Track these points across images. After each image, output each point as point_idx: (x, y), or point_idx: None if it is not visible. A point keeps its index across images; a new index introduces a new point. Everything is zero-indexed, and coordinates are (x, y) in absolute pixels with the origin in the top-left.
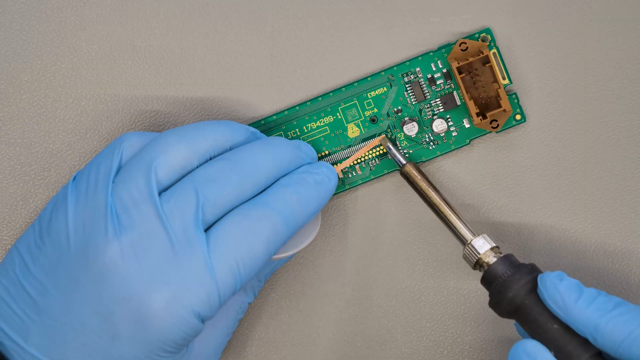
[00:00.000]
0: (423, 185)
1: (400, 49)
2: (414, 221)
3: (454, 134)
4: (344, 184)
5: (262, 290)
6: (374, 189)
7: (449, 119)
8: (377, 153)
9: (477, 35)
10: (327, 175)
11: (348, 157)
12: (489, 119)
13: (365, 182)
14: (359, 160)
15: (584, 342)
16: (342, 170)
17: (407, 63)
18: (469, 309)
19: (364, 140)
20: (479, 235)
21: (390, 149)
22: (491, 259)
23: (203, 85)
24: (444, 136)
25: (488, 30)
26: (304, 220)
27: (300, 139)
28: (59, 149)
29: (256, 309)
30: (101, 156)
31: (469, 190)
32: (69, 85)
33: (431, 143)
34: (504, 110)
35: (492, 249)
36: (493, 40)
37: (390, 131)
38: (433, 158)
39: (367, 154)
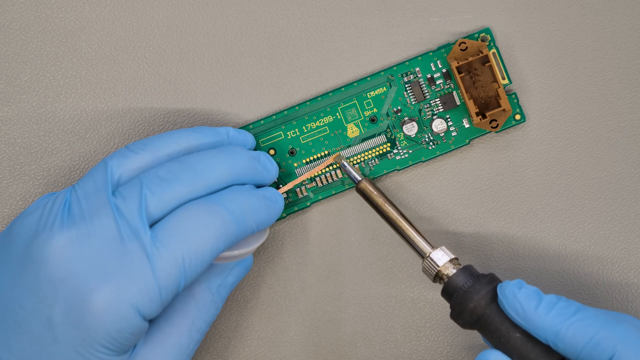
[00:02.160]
0: (379, 200)
1: (400, 49)
2: (413, 221)
3: (453, 133)
4: (343, 184)
5: (261, 290)
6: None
7: (449, 119)
8: (378, 153)
9: (476, 35)
10: (275, 194)
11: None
12: (488, 119)
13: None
14: (317, 174)
15: (547, 350)
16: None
17: (407, 63)
18: None
19: (364, 140)
20: (437, 247)
21: (344, 166)
22: (450, 270)
23: (203, 85)
24: (443, 136)
25: (487, 30)
26: (252, 227)
27: (264, 152)
28: (59, 149)
29: (256, 309)
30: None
31: (469, 189)
32: (69, 85)
33: (431, 143)
34: (504, 109)
35: (451, 260)
36: (492, 40)
37: (390, 131)
38: (433, 158)
39: (367, 153)
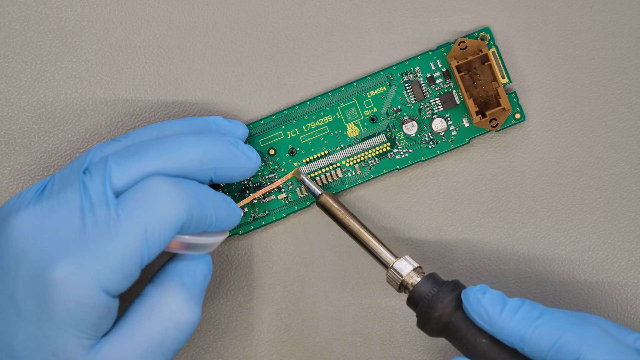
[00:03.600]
0: (340, 213)
1: (399, 49)
2: (413, 221)
3: (453, 133)
4: (343, 184)
5: (261, 290)
6: (374, 188)
7: (449, 118)
8: (377, 152)
9: (476, 34)
10: (234, 204)
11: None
12: (488, 118)
13: (365, 181)
14: (277, 189)
15: (514, 353)
16: (338, 171)
17: (407, 62)
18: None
19: (364, 139)
20: (400, 257)
21: (304, 180)
22: (415, 279)
23: (203, 85)
24: (443, 135)
25: (487, 29)
26: (211, 217)
27: (249, 144)
28: (59, 149)
29: (256, 309)
30: None
31: (469, 189)
32: (69, 85)
33: (431, 142)
34: (504, 108)
35: (414, 269)
36: (492, 39)
37: (390, 130)
38: (433, 157)
39: (366, 153)
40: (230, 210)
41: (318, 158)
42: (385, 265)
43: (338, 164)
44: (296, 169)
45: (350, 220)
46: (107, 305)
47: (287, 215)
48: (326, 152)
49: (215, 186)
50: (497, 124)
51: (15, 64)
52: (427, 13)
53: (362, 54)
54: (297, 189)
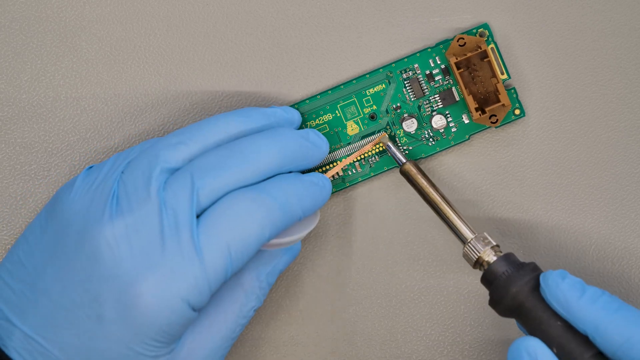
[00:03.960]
0: (423, 183)
1: (398, 46)
2: (413, 220)
3: (453, 129)
4: (344, 182)
5: None
6: (373, 188)
7: (448, 115)
8: (377, 150)
9: (474, 31)
10: (321, 179)
11: (350, 154)
12: (488, 114)
13: (366, 179)
14: (359, 158)
15: (586, 341)
16: (342, 169)
17: (405, 60)
18: (469, 309)
19: (363, 137)
20: (479, 233)
21: (389, 147)
22: (491, 257)
23: (202, 85)
24: (443, 132)
25: (486, 26)
26: (298, 214)
27: (313, 129)
28: (59, 149)
29: (256, 309)
30: (118, 153)
31: (469, 186)
32: (69, 85)
33: (431, 139)
34: (503, 105)
35: (492, 247)
36: (491, 35)
37: (390, 128)
38: (433, 154)
39: (367, 151)
40: (317, 192)
41: None
42: (462, 240)
43: (338, 162)
44: (383, 133)
45: (432, 191)
46: (194, 318)
47: None
48: None
49: None
50: (497, 120)
51: (15, 64)
52: (427, 13)
53: (361, 51)
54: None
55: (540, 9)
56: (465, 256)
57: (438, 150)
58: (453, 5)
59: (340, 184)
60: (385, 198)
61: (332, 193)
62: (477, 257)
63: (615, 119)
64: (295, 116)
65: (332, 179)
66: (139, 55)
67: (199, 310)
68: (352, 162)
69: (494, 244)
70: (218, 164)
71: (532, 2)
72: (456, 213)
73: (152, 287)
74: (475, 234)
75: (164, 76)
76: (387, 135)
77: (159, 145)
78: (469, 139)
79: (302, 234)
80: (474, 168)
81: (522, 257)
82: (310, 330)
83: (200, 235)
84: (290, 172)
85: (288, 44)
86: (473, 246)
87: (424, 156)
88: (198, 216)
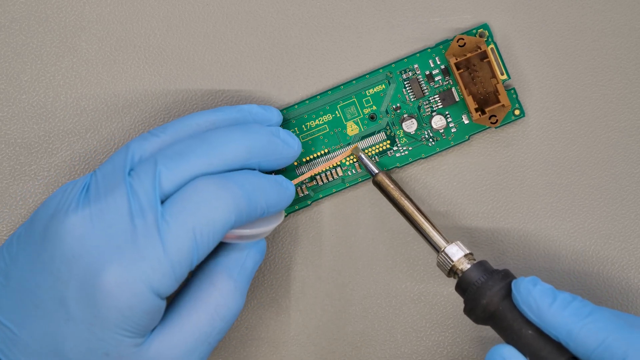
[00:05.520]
0: (395, 193)
1: (398, 46)
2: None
3: (453, 130)
4: (343, 182)
5: (262, 290)
6: (373, 188)
7: (448, 115)
8: (377, 150)
9: (474, 31)
10: (285, 181)
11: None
12: (487, 115)
13: (367, 179)
14: (330, 167)
15: (558, 347)
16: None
17: (405, 60)
18: None
19: (363, 137)
20: (452, 242)
21: (362, 158)
22: (465, 265)
23: (202, 85)
24: (443, 132)
25: (485, 26)
26: (262, 206)
27: (285, 129)
28: (59, 149)
29: (256, 309)
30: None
31: (469, 186)
32: (69, 85)
33: (430, 139)
34: (503, 105)
35: (465, 255)
36: (491, 35)
37: (390, 128)
38: (433, 154)
39: (366, 151)
40: (282, 191)
41: (318, 157)
42: (436, 249)
43: (338, 163)
44: (355, 145)
45: (405, 201)
46: (159, 307)
47: (288, 214)
48: (326, 150)
49: None
50: (497, 120)
51: (15, 64)
52: (427, 13)
53: (361, 52)
54: (298, 188)
55: (540, 9)
56: (439, 265)
57: (438, 150)
58: (453, 5)
59: (340, 184)
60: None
61: (334, 193)
62: (450, 265)
63: (615, 119)
64: (275, 114)
65: (298, 185)
66: (139, 56)
67: (165, 298)
68: (320, 172)
69: (468, 252)
70: (183, 150)
71: (532, 2)
72: (429, 222)
73: (114, 270)
74: (448, 242)
75: (163, 76)
76: (358, 147)
77: (132, 140)
78: (468, 139)
79: (267, 227)
80: (474, 168)
81: (521, 258)
82: (310, 331)
83: (164, 218)
84: (258, 169)
85: (288, 44)
86: (446, 255)
87: (423, 156)
88: (164, 201)
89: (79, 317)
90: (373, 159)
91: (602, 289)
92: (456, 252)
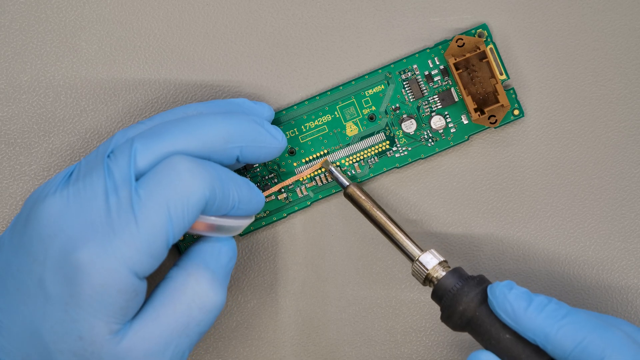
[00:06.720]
0: (367, 205)
1: (397, 47)
2: (413, 221)
3: (452, 130)
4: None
5: (262, 290)
6: (373, 186)
7: (447, 116)
8: (377, 151)
9: (473, 31)
10: (256, 189)
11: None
12: (487, 115)
13: (367, 179)
14: (302, 179)
15: (537, 350)
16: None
17: (404, 60)
18: None
19: (363, 138)
20: (426, 250)
21: (332, 171)
22: (440, 273)
23: (202, 85)
24: (442, 133)
25: (484, 26)
26: (234, 197)
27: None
28: (59, 149)
29: (256, 309)
30: None
31: (469, 186)
32: (69, 85)
33: (430, 140)
34: (502, 105)
35: (440, 263)
36: (490, 35)
37: (389, 129)
38: (432, 155)
39: (366, 152)
40: (253, 194)
41: (317, 158)
42: (410, 258)
43: (337, 163)
44: (325, 159)
45: (377, 212)
46: (135, 287)
47: (288, 215)
48: (325, 151)
49: (240, 173)
50: (496, 120)
51: (15, 64)
52: (426, 13)
53: (360, 52)
54: (297, 189)
55: (539, 9)
56: (414, 274)
57: (437, 150)
58: (452, 5)
59: (338, 186)
60: (385, 196)
61: (334, 193)
62: (425, 274)
63: (615, 119)
64: (265, 109)
65: (269, 198)
66: (139, 56)
67: (143, 278)
68: (288, 185)
69: (442, 259)
70: (161, 130)
71: (531, 2)
72: (402, 232)
73: (88, 247)
74: (422, 251)
75: (163, 76)
76: (328, 160)
77: (119, 131)
78: (468, 139)
79: (240, 222)
80: (473, 168)
81: (520, 257)
82: (310, 331)
83: (137, 193)
84: (240, 157)
85: (288, 44)
86: (420, 263)
87: (423, 157)
88: (139, 179)
89: (56, 297)
90: (372, 159)
91: (602, 290)
92: (430, 260)
